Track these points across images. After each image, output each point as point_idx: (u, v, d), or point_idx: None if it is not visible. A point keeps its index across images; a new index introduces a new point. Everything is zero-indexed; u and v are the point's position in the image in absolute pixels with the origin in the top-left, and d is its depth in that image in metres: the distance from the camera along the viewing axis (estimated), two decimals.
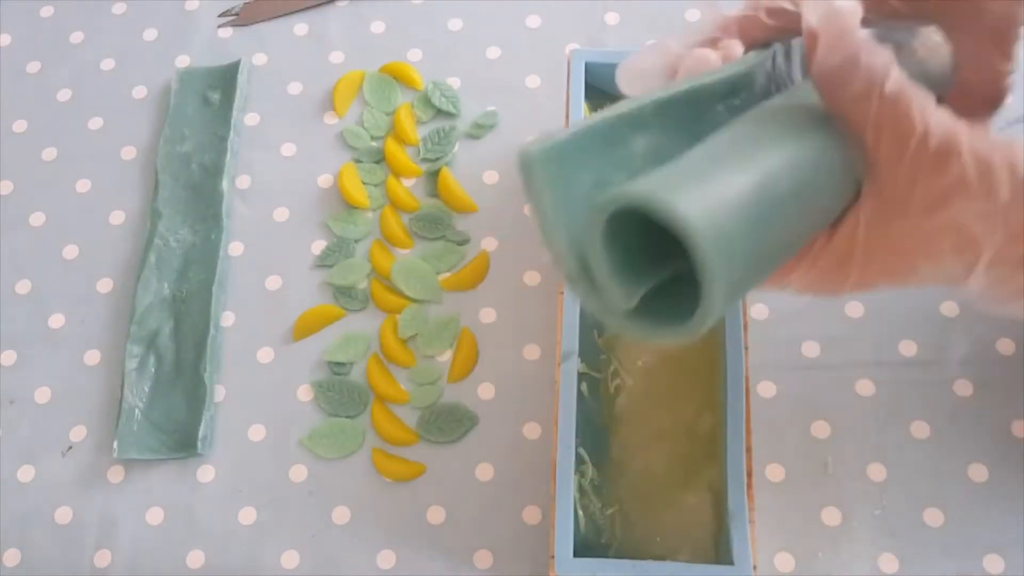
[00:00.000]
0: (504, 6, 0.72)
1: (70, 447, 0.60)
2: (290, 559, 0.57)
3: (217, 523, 0.58)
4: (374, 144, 0.68)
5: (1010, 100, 0.43)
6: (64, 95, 0.71)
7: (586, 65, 0.59)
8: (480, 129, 0.67)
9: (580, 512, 0.52)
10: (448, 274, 0.63)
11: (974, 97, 0.43)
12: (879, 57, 0.35)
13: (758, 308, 0.60)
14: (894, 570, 0.54)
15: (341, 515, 0.57)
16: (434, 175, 0.66)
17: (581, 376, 0.54)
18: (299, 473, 0.59)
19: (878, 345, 0.59)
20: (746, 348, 0.53)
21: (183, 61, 0.72)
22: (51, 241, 0.66)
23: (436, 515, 0.57)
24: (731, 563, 0.48)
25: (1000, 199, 0.34)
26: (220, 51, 0.72)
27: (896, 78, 0.35)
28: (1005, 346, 0.58)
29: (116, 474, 0.59)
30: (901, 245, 0.36)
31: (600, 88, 0.60)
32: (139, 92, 0.71)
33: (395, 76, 0.70)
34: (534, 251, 0.63)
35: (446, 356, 0.61)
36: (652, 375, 0.56)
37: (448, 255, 0.63)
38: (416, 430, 0.59)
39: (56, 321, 0.64)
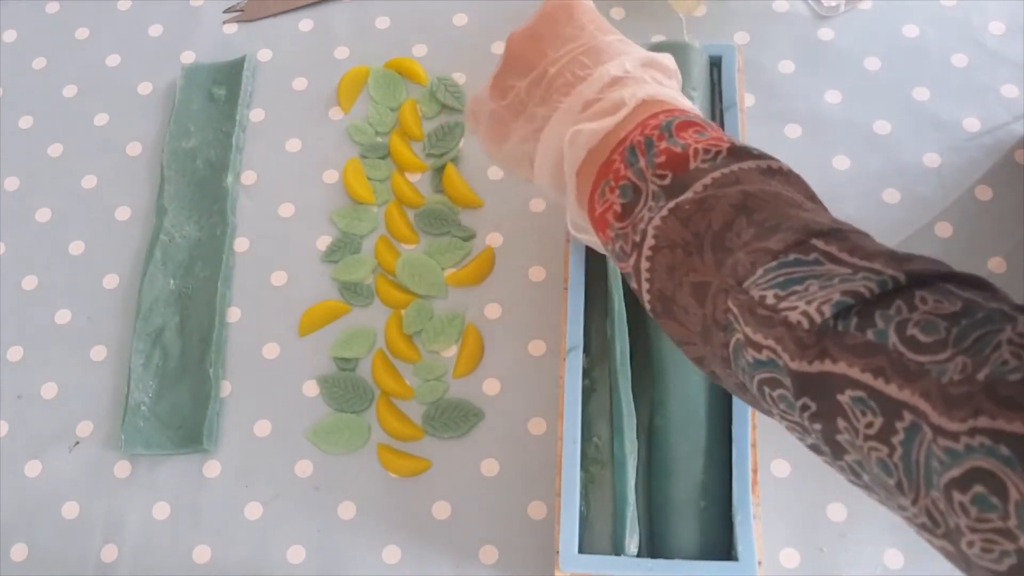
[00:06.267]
0: (508, 1, 0.71)
1: (77, 442, 0.61)
2: (296, 554, 0.57)
3: (223, 518, 0.58)
4: (379, 140, 0.68)
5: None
6: (70, 91, 0.71)
7: None
8: None
9: (585, 507, 0.52)
10: (453, 269, 0.63)
11: None
12: None
13: None
14: (900, 566, 0.54)
15: (347, 510, 0.58)
16: (439, 170, 0.66)
17: (586, 371, 0.54)
18: (305, 468, 0.59)
19: None
20: None
21: (188, 57, 0.72)
22: (57, 237, 0.67)
23: (442, 510, 0.57)
24: (736, 559, 0.48)
25: None
26: (225, 47, 0.72)
27: None
28: None
29: (123, 469, 0.60)
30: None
31: None
32: (144, 88, 0.71)
33: (400, 72, 0.70)
34: (539, 246, 0.63)
35: (451, 351, 0.61)
36: None
37: (453, 250, 0.63)
38: (421, 425, 0.59)
39: (62, 317, 0.64)
